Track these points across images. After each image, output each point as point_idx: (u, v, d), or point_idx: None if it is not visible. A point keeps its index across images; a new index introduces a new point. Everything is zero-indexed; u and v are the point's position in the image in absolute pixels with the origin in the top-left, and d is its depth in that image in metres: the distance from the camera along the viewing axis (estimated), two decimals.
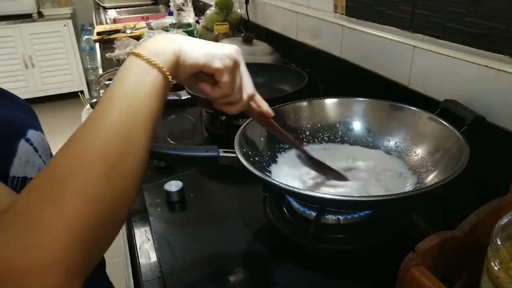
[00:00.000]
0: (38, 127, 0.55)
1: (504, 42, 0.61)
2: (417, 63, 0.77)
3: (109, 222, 0.34)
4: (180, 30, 1.68)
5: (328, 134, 0.75)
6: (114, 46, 1.59)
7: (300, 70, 1.03)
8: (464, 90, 0.67)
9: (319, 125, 0.75)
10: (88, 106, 1.43)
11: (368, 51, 0.91)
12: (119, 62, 1.44)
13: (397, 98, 0.72)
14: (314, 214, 0.58)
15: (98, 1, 2.98)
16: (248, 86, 0.50)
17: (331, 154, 0.71)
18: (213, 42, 0.47)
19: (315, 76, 1.06)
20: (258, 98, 0.54)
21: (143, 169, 0.38)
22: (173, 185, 0.70)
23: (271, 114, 0.56)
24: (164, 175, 0.77)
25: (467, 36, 0.68)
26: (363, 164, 0.68)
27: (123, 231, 0.72)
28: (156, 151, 0.59)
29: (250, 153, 0.64)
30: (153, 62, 0.40)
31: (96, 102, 1.11)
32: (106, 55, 1.51)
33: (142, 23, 2.00)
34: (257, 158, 0.65)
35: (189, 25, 1.78)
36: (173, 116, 1.07)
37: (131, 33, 1.81)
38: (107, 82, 1.11)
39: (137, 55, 0.41)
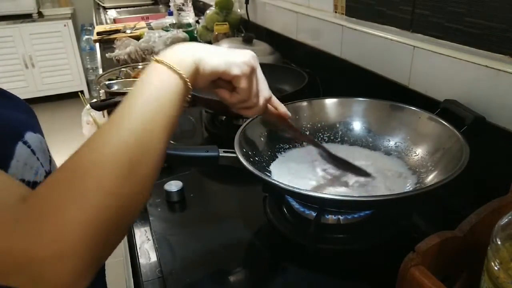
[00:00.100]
0: (37, 129, 0.55)
1: (504, 42, 0.61)
2: (417, 63, 0.77)
3: (124, 218, 0.36)
4: (180, 30, 1.68)
5: (328, 134, 0.75)
6: (114, 46, 1.59)
7: (300, 70, 1.03)
8: (464, 90, 0.67)
9: (319, 125, 0.75)
10: (88, 106, 1.43)
11: (368, 51, 0.91)
12: (119, 62, 1.44)
13: (397, 98, 0.72)
14: (314, 214, 0.58)
15: (98, 1, 2.98)
16: (264, 89, 0.52)
17: None
18: (230, 48, 0.49)
19: (315, 76, 1.06)
20: (275, 100, 0.57)
21: (158, 168, 0.40)
22: (173, 185, 0.70)
23: (289, 115, 0.58)
24: (164, 175, 0.77)
25: (467, 36, 0.68)
26: (363, 164, 0.67)
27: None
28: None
29: (250, 153, 0.64)
30: (175, 69, 0.42)
31: (96, 102, 1.10)
32: (106, 55, 1.51)
33: (142, 23, 2.00)
34: (257, 158, 0.65)
35: (189, 25, 1.78)
36: None
37: (131, 33, 1.81)
38: (107, 82, 1.11)
39: (160, 62, 0.43)
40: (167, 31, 1.69)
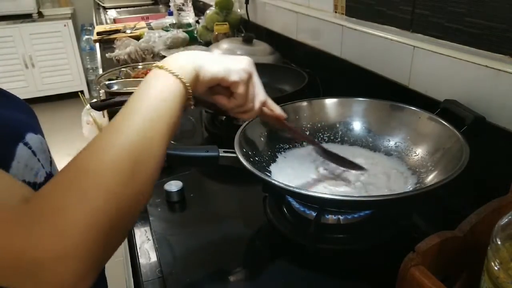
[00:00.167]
0: (37, 130, 0.55)
1: (504, 42, 0.61)
2: (417, 63, 0.77)
3: (126, 219, 0.36)
4: (180, 30, 1.68)
5: (328, 134, 0.75)
6: (114, 46, 1.59)
7: (300, 70, 1.03)
8: (464, 90, 0.67)
9: (319, 125, 0.75)
10: (88, 106, 1.43)
11: (368, 51, 0.91)
12: (119, 62, 1.44)
13: (397, 98, 0.72)
14: (314, 214, 0.58)
15: (98, 1, 2.98)
16: (260, 93, 0.54)
17: None
18: (229, 56, 0.51)
19: (315, 76, 1.06)
20: (270, 102, 0.58)
21: (159, 171, 0.41)
22: (173, 185, 0.70)
23: (284, 116, 0.60)
24: (164, 175, 0.77)
25: (467, 36, 0.68)
26: (363, 164, 0.67)
27: None
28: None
29: (250, 153, 0.64)
30: (177, 75, 0.44)
31: (96, 102, 1.10)
32: (106, 55, 1.51)
33: (142, 23, 2.00)
34: (257, 158, 0.65)
35: (189, 25, 1.78)
36: None
37: (131, 33, 1.81)
38: (107, 82, 1.11)
39: (162, 68, 0.45)
40: (167, 31, 1.69)
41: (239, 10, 1.66)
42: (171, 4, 1.84)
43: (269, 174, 0.65)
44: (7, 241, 0.31)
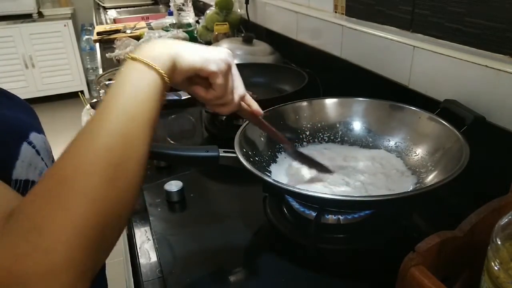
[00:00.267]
0: (40, 130, 0.55)
1: (504, 42, 0.61)
2: (417, 63, 0.77)
3: (113, 222, 0.34)
4: (180, 30, 1.68)
5: (328, 134, 0.75)
6: (114, 46, 1.59)
7: (300, 70, 1.03)
8: (464, 90, 0.67)
9: (319, 125, 0.75)
10: (88, 106, 1.43)
11: (368, 51, 0.91)
12: (119, 62, 1.44)
13: (397, 98, 0.72)
14: (314, 214, 0.58)
15: (98, 1, 2.98)
16: (239, 87, 0.52)
17: (331, 154, 0.71)
18: (206, 46, 0.49)
19: (315, 76, 1.06)
20: (248, 98, 0.57)
21: (143, 168, 0.39)
22: (173, 185, 0.70)
23: (261, 112, 0.58)
24: (164, 175, 0.77)
25: (467, 36, 0.68)
26: (363, 164, 0.68)
27: (123, 231, 0.72)
28: (156, 151, 0.59)
29: (250, 153, 0.64)
30: (152, 66, 0.41)
31: (96, 102, 1.10)
32: (106, 55, 1.51)
33: (142, 23, 2.00)
34: (257, 158, 0.65)
35: (189, 25, 1.78)
36: (173, 116, 1.07)
37: (131, 33, 1.81)
38: (107, 82, 1.11)
39: (135, 59, 0.41)
40: (167, 31, 1.69)
41: (239, 10, 1.66)
42: (171, 4, 1.84)
43: (269, 174, 0.65)
44: None
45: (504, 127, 0.61)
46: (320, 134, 0.75)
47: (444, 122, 0.63)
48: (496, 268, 0.34)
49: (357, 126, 0.75)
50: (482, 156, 0.56)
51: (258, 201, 0.67)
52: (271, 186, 0.55)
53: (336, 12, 1.06)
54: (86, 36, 3.60)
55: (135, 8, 2.88)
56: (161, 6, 2.88)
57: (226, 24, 1.50)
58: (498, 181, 0.52)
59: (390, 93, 0.79)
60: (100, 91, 1.17)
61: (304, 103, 0.76)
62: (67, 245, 0.30)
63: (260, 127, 0.62)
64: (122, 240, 0.85)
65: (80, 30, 3.77)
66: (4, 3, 3.29)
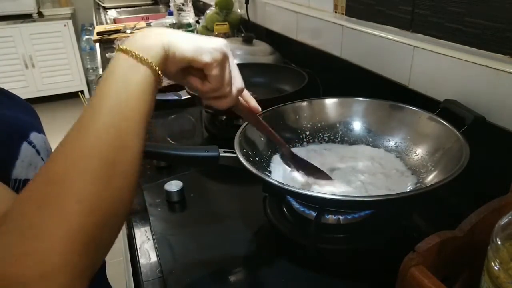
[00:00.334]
0: (40, 130, 0.55)
1: (504, 42, 0.61)
2: (417, 63, 0.77)
3: (109, 223, 0.34)
4: (180, 30, 1.68)
5: (328, 134, 0.75)
6: (114, 46, 1.59)
7: (300, 70, 1.03)
8: (464, 90, 0.67)
9: (319, 125, 0.75)
10: None
11: (368, 51, 0.91)
12: None
13: (397, 98, 0.72)
14: (314, 214, 0.58)
15: (98, 1, 2.98)
16: (237, 80, 0.49)
17: (331, 154, 0.71)
18: (202, 35, 0.46)
19: (315, 76, 1.06)
20: (247, 94, 0.54)
21: (138, 166, 0.38)
22: (173, 185, 0.70)
23: (258, 109, 0.56)
24: (164, 175, 0.77)
25: (467, 36, 0.68)
26: (363, 164, 0.68)
27: (123, 231, 0.72)
28: (156, 151, 0.59)
29: (250, 153, 0.64)
30: (142, 58, 0.39)
31: None
32: (106, 55, 1.51)
33: (142, 23, 2.00)
34: (257, 158, 0.65)
35: (189, 25, 1.78)
36: (173, 116, 1.07)
37: (131, 33, 1.81)
38: None
39: (125, 51, 0.39)
40: None
41: (239, 10, 1.66)
42: (171, 4, 1.84)
43: (269, 174, 0.65)
44: None
45: (504, 127, 0.61)
46: (320, 134, 0.75)
47: (444, 122, 0.63)
48: (496, 268, 0.34)
49: (357, 126, 0.75)
50: (482, 156, 0.56)
51: (258, 201, 0.67)
52: (271, 186, 0.55)
53: (336, 12, 1.06)
54: (86, 36, 3.60)
55: (135, 8, 2.88)
56: (161, 6, 2.88)
57: (226, 24, 1.50)
58: (498, 181, 0.52)
59: (390, 93, 0.79)
60: None
61: (304, 103, 0.76)
62: (62, 246, 0.30)
63: (258, 127, 0.60)
64: (122, 240, 0.85)
65: (80, 30, 3.78)
66: (4, 3, 3.29)
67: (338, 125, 0.75)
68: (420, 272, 0.38)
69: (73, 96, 3.50)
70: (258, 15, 1.53)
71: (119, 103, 0.37)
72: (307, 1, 1.18)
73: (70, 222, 0.31)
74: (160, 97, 0.96)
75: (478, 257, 0.38)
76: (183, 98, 1.07)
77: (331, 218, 0.60)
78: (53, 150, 0.57)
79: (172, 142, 0.95)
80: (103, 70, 1.42)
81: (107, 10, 2.77)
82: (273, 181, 0.53)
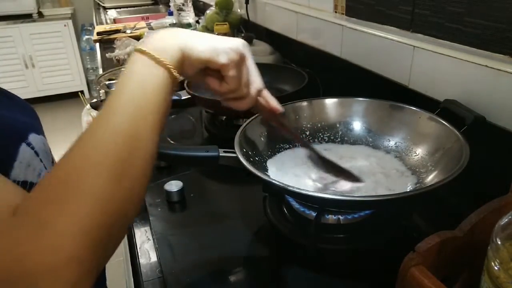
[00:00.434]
0: (40, 131, 0.55)
1: (504, 42, 0.61)
2: (417, 63, 0.77)
3: (120, 221, 0.34)
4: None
5: (328, 134, 0.75)
6: (114, 46, 1.59)
7: (300, 70, 1.03)
8: (464, 90, 0.67)
9: (319, 125, 0.75)
10: (88, 106, 1.43)
11: (368, 51, 0.91)
12: (119, 62, 1.44)
13: (397, 98, 0.72)
14: (314, 214, 0.58)
15: (98, 1, 2.98)
16: (256, 80, 0.49)
17: (331, 154, 0.71)
18: (219, 36, 0.46)
19: (315, 76, 1.06)
20: (267, 93, 0.53)
21: (151, 167, 0.38)
22: (173, 185, 0.70)
23: (280, 110, 0.55)
24: (164, 175, 0.77)
25: (467, 36, 0.68)
26: (363, 164, 0.68)
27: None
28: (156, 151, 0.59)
29: (250, 153, 0.64)
30: (159, 59, 0.40)
31: (96, 102, 1.10)
32: (106, 55, 1.51)
33: (142, 23, 2.00)
34: (257, 158, 0.65)
35: (189, 25, 1.78)
36: (173, 116, 1.07)
37: (131, 33, 1.81)
38: (107, 82, 1.12)
39: (142, 52, 0.40)
40: None
41: (239, 10, 1.66)
42: (171, 4, 1.84)
43: (269, 174, 0.65)
44: None
45: (504, 127, 0.61)
46: (320, 134, 0.75)
47: (444, 122, 0.63)
48: (496, 268, 0.34)
49: (357, 126, 0.75)
50: (482, 156, 0.56)
51: (258, 201, 0.67)
52: (271, 186, 0.55)
53: (336, 12, 1.06)
54: (86, 36, 3.61)
55: (135, 8, 2.88)
56: (161, 6, 2.88)
57: (226, 24, 1.50)
58: (498, 181, 0.52)
59: (390, 93, 0.79)
60: (100, 91, 1.17)
61: (304, 103, 0.76)
62: (73, 244, 0.30)
63: (278, 127, 0.58)
64: (122, 240, 0.85)
65: (80, 30, 3.78)
66: (4, 3, 3.29)
67: (338, 125, 0.75)
68: (420, 272, 0.38)
69: (73, 96, 3.50)
70: (258, 15, 1.53)
71: (135, 105, 0.37)
72: (307, 1, 1.18)
73: (81, 219, 0.31)
74: None
75: (478, 257, 0.38)
76: (183, 98, 1.07)
77: (331, 218, 0.60)
78: (53, 150, 0.58)
79: (172, 142, 0.95)
80: (103, 70, 1.43)
81: (107, 10, 2.77)
82: (273, 181, 0.53)
